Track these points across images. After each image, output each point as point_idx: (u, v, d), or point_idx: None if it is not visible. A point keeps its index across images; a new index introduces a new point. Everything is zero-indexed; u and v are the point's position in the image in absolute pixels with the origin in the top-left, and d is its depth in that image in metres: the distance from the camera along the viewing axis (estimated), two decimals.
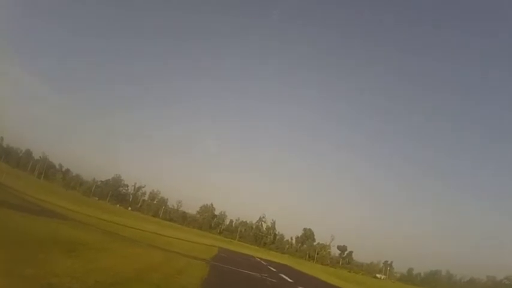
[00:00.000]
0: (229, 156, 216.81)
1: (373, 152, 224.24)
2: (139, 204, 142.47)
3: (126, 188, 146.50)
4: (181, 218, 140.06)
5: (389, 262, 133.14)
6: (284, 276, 24.86)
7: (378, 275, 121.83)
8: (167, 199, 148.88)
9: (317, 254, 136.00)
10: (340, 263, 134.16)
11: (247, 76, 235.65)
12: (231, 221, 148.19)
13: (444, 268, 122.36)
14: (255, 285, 16.08)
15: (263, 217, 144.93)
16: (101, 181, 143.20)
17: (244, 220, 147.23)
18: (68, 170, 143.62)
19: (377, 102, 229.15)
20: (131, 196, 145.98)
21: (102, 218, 34.48)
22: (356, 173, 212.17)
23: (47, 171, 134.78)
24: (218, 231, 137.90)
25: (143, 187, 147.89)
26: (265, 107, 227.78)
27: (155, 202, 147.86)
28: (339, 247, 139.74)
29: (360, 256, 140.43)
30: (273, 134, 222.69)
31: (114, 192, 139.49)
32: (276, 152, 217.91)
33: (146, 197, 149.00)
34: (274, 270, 30.34)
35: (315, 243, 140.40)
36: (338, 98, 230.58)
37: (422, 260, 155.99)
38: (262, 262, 39.61)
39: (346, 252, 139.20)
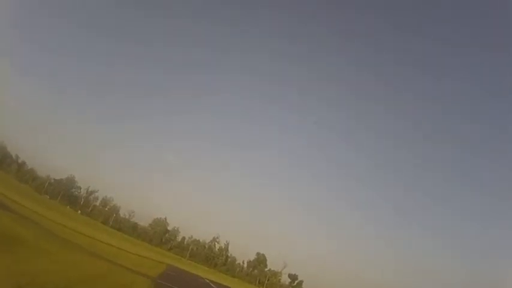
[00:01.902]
0: (190, 172, 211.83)
1: (337, 182, 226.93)
2: (90, 209, 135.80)
3: (79, 191, 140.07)
4: (132, 229, 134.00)
5: None
6: None
7: None
8: (119, 207, 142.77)
9: (267, 280, 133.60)
10: None
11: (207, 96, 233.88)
12: (183, 238, 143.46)
13: None
14: None
15: (217, 237, 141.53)
16: (55, 179, 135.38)
17: (197, 238, 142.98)
18: (24, 163, 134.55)
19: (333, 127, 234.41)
20: (83, 199, 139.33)
21: (49, 218, 31.29)
22: (317, 202, 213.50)
23: (3, 160, 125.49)
24: (169, 247, 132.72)
25: (96, 192, 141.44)
26: (227, 126, 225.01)
27: (107, 209, 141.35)
28: (290, 275, 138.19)
29: (309, 286, 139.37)
30: (237, 153, 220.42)
31: (66, 193, 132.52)
32: (239, 172, 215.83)
33: (98, 203, 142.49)
34: None
35: (266, 269, 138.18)
36: (296, 120, 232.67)
37: None
38: (212, 285, 37.21)
39: (296, 281, 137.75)
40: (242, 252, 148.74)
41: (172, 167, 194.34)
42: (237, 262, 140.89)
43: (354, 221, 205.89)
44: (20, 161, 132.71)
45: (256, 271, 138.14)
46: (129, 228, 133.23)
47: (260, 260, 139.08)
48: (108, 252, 25.01)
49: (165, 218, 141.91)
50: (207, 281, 42.92)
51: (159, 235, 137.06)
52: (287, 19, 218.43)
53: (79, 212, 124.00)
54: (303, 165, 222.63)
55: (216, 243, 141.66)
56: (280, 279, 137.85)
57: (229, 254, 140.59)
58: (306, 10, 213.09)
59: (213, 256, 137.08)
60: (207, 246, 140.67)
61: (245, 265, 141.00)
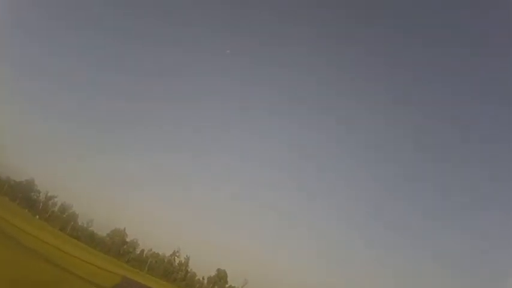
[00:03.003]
0: (152, 183, 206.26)
1: (305, 197, 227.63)
2: (48, 214, 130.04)
3: (38, 195, 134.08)
4: (90, 239, 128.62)
5: None
6: None
7: None
8: (78, 215, 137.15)
9: None
10: None
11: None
12: (142, 251, 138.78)
13: None
14: None
15: (177, 251, 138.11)
16: (15, 181, 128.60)
17: (156, 252, 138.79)
18: None
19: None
20: (41, 204, 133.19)
21: (6, 220, 29.20)
22: (282, 219, 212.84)
23: None
24: (126, 259, 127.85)
25: (55, 197, 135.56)
26: (189, 137, 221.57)
27: (65, 216, 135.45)
28: None
29: None
30: (200, 165, 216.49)
31: (25, 196, 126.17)
32: (201, 185, 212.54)
33: (56, 209, 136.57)
34: None
35: (227, 286, 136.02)
36: (260, 124, 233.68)
37: None
38: None
39: None
40: (202, 268, 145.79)
41: (134, 177, 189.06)
42: (196, 278, 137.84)
43: (319, 236, 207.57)
44: None
45: (216, 287, 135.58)
46: (86, 237, 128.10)
47: (221, 276, 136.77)
48: (63, 259, 23.46)
49: (124, 229, 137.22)
50: None
51: (117, 246, 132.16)
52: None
53: (37, 216, 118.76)
54: (270, 178, 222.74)
55: (176, 257, 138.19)
56: None
57: (189, 269, 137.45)
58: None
59: (172, 270, 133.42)
60: (166, 260, 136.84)
61: (205, 281, 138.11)
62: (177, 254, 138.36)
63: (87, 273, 21.99)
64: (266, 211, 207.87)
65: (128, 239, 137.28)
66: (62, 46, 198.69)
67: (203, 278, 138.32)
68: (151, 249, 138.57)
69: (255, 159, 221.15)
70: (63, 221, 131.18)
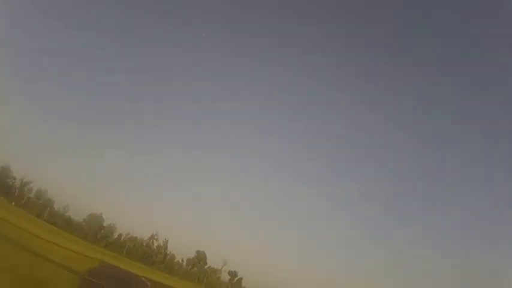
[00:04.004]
0: (128, 167, 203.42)
1: (276, 178, 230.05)
2: (24, 201, 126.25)
3: (13, 181, 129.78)
4: (66, 224, 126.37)
5: None
6: None
7: None
8: (54, 201, 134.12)
9: (207, 278, 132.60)
10: None
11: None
12: (120, 235, 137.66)
13: None
14: None
15: (155, 235, 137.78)
16: None
17: (134, 236, 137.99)
18: None
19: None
20: (17, 190, 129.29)
21: None
22: (256, 199, 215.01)
23: None
24: (104, 244, 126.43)
25: (30, 183, 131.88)
26: (168, 121, 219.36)
27: (40, 202, 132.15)
28: (229, 272, 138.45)
29: (249, 283, 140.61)
30: (176, 147, 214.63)
31: (0, 183, 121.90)
32: (179, 168, 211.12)
33: (32, 195, 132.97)
34: None
35: (206, 267, 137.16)
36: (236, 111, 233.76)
37: None
38: (148, 283, 35.66)
39: (236, 279, 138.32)
40: (181, 250, 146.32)
41: (109, 161, 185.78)
42: (175, 260, 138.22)
43: (298, 217, 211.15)
44: None
45: (195, 269, 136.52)
46: (63, 223, 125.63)
47: (200, 258, 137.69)
48: (37, 245, 22.87)
49: (101, 214, 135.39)
50: (143, 279, 41.19)
51: (94, 231, 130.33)
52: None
53: (13, 203, 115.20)
54: (247, 160, 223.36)
55: (154, 240, 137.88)
56: (219, 276, 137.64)
57: (168, 252, 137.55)
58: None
59: (151, 254, 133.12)
60: (144, 244, 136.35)
61: (184, 263, 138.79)
62: (156, 238, 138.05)
63: (63, 258, 21.55)
64: (246, 191, 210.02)
65: (105, 224, 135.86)
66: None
67: (182, 260, 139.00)
68: (129, 234, 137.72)
69: (238, 145, 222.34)
70: (39, 207, 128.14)
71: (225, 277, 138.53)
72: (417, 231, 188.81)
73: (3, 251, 12.58)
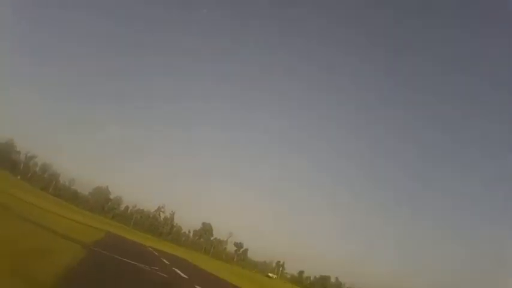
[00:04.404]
0: (134, 140, 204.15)
1: (278, 150, 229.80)
2: (30, 175, 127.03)
3: (18, 155, 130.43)
4: (72, 197, 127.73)
5: (281, 263, 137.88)
6: (178, 271, 21.76)
7: (270, 274, 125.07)
8: (59, 174, 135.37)
9: (213, 248, 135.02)
10: (235, 259, 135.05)
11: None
12: (127, 207, 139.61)
13: (333, 275, 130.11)
14: (140, 281, 12.79)
15: (162, 207, 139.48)
16: None
17: (141, 208, 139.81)
18: None
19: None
20: (22, 164, 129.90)
21: None
22: (259, 171, 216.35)
23: None
24: (111, 216, 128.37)
25: (35, 157, 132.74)
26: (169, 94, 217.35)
27: (46, 175, 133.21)
28: (235, 244, 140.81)
29: (254, 254, 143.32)
30: (182, 120, 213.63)
31: (5, 157, 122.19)
32: (181, 140, 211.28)
33: (37, 169, 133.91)
34: (167, 263, 26.99)
35: (212, 238, 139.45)
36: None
37: (313, 264, 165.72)
38: (155, 253, 35.79)
39: (241, 250, 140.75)
40: (188, 222, 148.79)
41: (114, 134, 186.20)
42: (182, 231, 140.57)
43: (301, 190, 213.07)
44: None
45: (202, 240, 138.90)
46: (69, 196, 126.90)
47: (206, 229, 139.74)
48: (41, 216, 22.50)
49: (107, 187, 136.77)
50: (150, 249, 41.39)
51: (101, 204, 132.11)
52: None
53: (18, 177, 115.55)
54: (251, 135, 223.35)
55: (161, 212, 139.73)
56: (226, 247, 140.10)
57: (174, 224, 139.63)
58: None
59: (157, 225, 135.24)
60: (151, 216, 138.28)
61: (191, 234, 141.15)
62: (162, 210, 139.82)
63: (68, 229, 21.25)
64: (253, 165, 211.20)
65: (111, 197, 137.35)
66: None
67: (189, 232, 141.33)
68: (135, 206, 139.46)
69: (235, 119, 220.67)
70: (45, 181, 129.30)
71: (231, 248, 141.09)
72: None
73: (4, 224, 12.05)
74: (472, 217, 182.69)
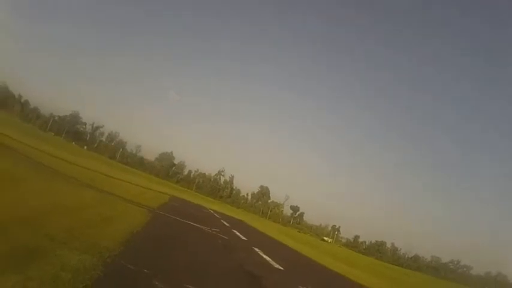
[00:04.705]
0: (195, 108, 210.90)
1: (333, 117, 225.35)
2: (96, 145, 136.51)
3: (84, 127, 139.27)
4: (139, 164, 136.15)
5: (337, 227, 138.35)
6: (237, 233, 22.75)
7: (325, 238, 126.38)
8: (126, 142, 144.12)
9: (270, 211, 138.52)
10: (291, 222, 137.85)
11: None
12: (190, 172, 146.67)
13: (389, 241, 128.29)
14: (201, 243, 13.59)
15: (222, 171, 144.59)
16: (59, 116, 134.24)
17: (203, 172, 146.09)
18: (26, 101, 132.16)
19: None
20: (88, 135, 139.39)
21: (48, 152, 30.60)
22: (315, 136, 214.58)
23: (5, 100, 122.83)
24: (175, 181, 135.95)
25: (101, 127, 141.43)
26: (231, 68, 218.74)
27: (113, 144, 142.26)
28: (291, 207, 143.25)
29: (310, 218, 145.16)
30: (240, 92, 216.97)
31: (70, 129, 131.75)
32: (240, 107, 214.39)
33: (104, 138, 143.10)
34: (228, 225, 28.32)
35: (269, 201, 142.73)
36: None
37: (369, 230, 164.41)
38: (216, 215, 37.66)
39: (297, 213, 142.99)
40: (246, 186, 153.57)
41: (177, 102, 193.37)
42: (241, 194, 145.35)
43: (355, 158, 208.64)
44: (22, 100, 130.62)
45: (260, 203, 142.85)
46: (135, 163, 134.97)
47: (263, 192, 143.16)
48: (106, 183, 24.36)
49: (171, 152, 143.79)
50: (211, 211, 43.56)
51: (166, 169, 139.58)
52: None
53: (85, 147, 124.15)
54: (306, 106, 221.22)
55: (221, 176, 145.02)
56: (282, 210, 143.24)
57: (234, 187, 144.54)
58: None
59: (218, 189, 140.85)
60: (212, 179, 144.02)
61: (249, 197, 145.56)
62: (222, 173, 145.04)
63: (134, 195, 22.86)
64: (304, 136, 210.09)
65: (175, 162, 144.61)
66: None
67: (247, 195, 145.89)
68: (198, 170, 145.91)
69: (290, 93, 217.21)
70: (111, 149, 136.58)
71: (287, 211, 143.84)
72: None
73: (73, 192, 13.19)
74: None
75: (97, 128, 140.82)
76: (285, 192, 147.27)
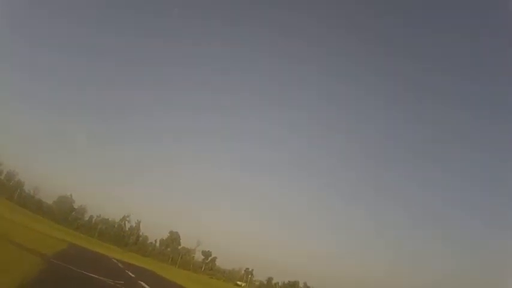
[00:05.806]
0: (98, 149, 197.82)
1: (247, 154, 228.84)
2: None
3: None
4: (36, 206, 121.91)
5: (250, 270, 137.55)
6: (143, 285, 21.36)
7: (239, 282, 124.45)
8: (24, 182, 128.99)
9: (181, 258, 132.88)
10: (203, 268, 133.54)
11: None
12: (91, 217, 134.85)
13: (302, 280, 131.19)
14: None
15: (127, 216, 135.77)
16: None
17: (106, 217, 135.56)
18: None
19: None
20: None
21: None
22: (233, 179, 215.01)
23: None
24: (75, 227, 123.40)
25: (0, 165, 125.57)
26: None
27: (11, 183, 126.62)
28: (203, 252, 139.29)
29: (223, 262, 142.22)
30: (145, 129, 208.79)
31: None
32: (149, 149, 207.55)
33: (3, 177, 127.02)
34: (133, 275, 26.37)
35: (179, 247, 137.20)
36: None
37: (282, 271, 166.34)
38: (120, 265, 34.85)
39: (210, 258, 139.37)
40: (155, 231, 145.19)
41: (78, 144, 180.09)
42: (149, 241, 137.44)
43: (271, 197, 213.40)
44: None
45: (169, 249, 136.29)
46: (33, 205, 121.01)
47: (173, 238, 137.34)
48: (2, 227, 21.44)
49: (71, 195, 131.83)
50: (115, 260, 40.30)
51: (65, 213, 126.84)
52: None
53: None
54: (216, 145, 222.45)
55: (126, 222, 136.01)
56: (193, 256, 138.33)
57: (140, 233, 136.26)
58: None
59: (123, 235, 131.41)
60: (116, 225, 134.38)
61: (158, 244, 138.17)
62: (128, 219, 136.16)
63: (29, 240, 20.42)
64: (215, 176, 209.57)
65: (75, 206, 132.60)
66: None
67: (155, 241, 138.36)
68: (100, 215, 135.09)
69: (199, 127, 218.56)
70: (10, 189, 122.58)
71: (199, 257, 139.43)
72: None
73: None
74: None
75: None
76: (196, 237, 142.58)
